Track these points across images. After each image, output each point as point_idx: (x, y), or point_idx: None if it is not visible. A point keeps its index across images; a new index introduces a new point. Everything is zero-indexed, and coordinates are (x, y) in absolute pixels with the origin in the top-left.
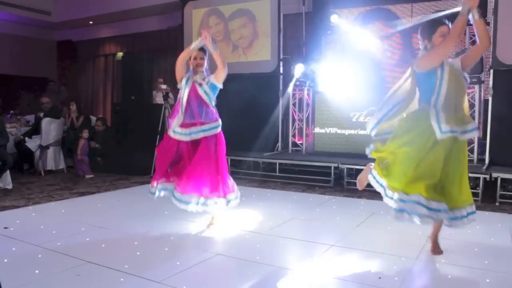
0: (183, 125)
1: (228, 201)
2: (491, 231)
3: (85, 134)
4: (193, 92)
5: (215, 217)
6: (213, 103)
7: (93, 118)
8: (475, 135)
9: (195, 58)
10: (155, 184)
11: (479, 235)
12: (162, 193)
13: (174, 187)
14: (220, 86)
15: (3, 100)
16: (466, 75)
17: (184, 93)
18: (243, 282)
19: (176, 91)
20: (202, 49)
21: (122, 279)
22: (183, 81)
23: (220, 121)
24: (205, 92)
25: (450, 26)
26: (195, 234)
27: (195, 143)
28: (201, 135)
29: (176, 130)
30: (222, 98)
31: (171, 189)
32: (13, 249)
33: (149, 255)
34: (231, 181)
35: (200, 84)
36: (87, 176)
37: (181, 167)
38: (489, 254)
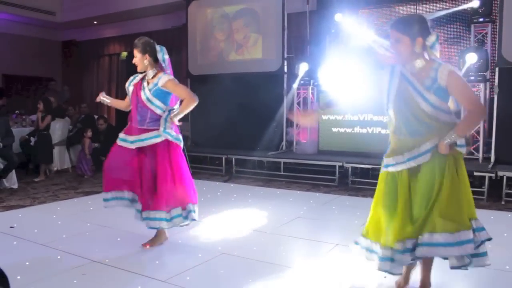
0: (126, 131)
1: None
2: (497, 230)
3: (89, 133)
4: (136, 94)
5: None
6: (165, 107)
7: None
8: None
9: (135, 57)
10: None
11: None
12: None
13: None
14: (169, 91)
15: (8, 100)
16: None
17: (129, 95)
18: (248, 281)
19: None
20: (135, 46)
21: (127, 278)
22: (129, 80)
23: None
24: (147, 98)
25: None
26: (200, 233)
27: (143, 152)
28: (146, 143)
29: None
30: (226, 97)
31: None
32: (19, 248)
33: (154, 254)
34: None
35: (146, 85)
36: (86, 176)
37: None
38: (494, 253)
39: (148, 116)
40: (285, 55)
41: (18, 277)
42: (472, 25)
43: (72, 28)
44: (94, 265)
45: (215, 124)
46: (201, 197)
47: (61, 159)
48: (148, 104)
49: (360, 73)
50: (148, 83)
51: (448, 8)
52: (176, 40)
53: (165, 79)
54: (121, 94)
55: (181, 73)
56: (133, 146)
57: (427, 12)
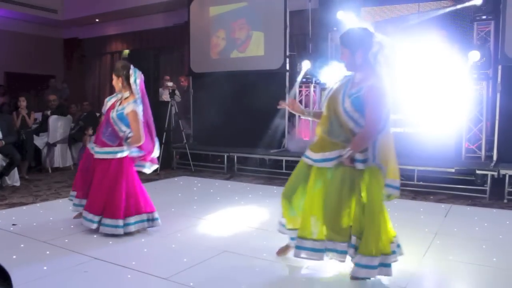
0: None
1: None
2: (499, 229)
3: (90, 131)
4: (108, 111)
5: None
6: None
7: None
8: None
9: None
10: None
11: (487, 232)
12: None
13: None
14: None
15: (10, 97)
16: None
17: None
18: (250, 279)
19: (182, 89)
20: (114, 71)
21: (129, 276)
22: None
23: (119, 148)
24: (113, 118)
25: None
26: (202, 231)
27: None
28: (98, 156)
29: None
30: (228, 95)
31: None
32: (21, 245)
33: (156, 252)
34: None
35: (118, 106)
36: None
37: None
38: (497, 252)
39: (108, 132)
40: (287, 53)
41: (20, 275)
42: (475, 23)
43: (74, 26)
44: (96, 262)
45: (217, 122)
46: (203, 195)
47: (63, 156)
48: (114, 124)
49: None
50: (120, 104)
51: (450, 6)
52: (178, 38)
53: (129, 108)
54: None
55: (183, 71)
56: (95, 156)
57: (429, 10)
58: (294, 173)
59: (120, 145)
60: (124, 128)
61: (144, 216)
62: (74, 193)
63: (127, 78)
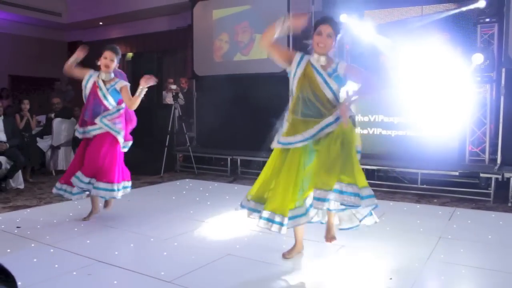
0: (82, 124)
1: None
2: (504, 232)
3: None
4: (93, 91)
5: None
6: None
7: None
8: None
9: (105, 58)
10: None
11: (492, 235)
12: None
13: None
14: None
15: (14, 100)
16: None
17: (86, 91)
18: (253, 282)
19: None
20: (114, 51)
21: (133, 279)
22: (85, 78)
23: (118, 126)
24: (103, 94)
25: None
26: (205, 234)
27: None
28: (92, 133)
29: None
30: (232, 98)
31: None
32: (25, 248)
33: (159, 255)
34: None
35: (103, 84)
36: None
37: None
38: (502, 255)
39: (102, 110)
40: None
41: (25, 278)
42: (479, 26)
43: (78, 29)
44: (99, 265)
45: (220, 125)
46: (206, 198)
47: (67, 159)
48: (103, 99)
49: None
50: (104, 83)
51: (454, 9)
52: (181, 41)
53: (121, 84)
54: None
55: (187, 73)
56: (93, 133)
57: (433, 13)
58: (274, 167)
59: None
60: (113, 103)
61: (126, 183)
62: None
63: (118, 61)
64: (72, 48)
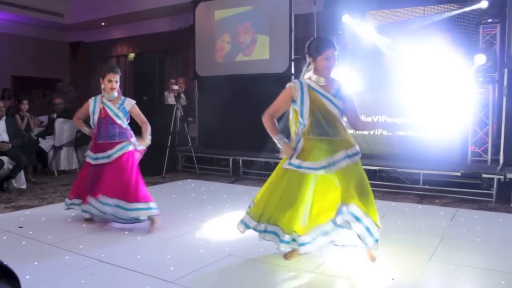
0: (96, 149)
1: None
2: (506, 232)
3: None
4: (103, 114)
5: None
6: (126, 123)
7: None
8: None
9: (110, 80)
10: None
11: (494, 236)
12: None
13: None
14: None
15: (16, 101)
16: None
17: (94, 117)
18: (255, 283)
19: (186, 92)
20: (116, 71)
21: (134, 279)
22: (91, 103)
23: (133, 139)
24: (115, 114)
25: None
26: (207, 234)
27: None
28: (114, 157)
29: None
30: (233, 98)
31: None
32: (28, 248)
33: (161, 255)
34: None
35: (111, 104)
36: None
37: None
38: (504, 256)
39: (116, 130)
40: (292, 57)
41: (27, 277)
42: (481, 26)
43: (80, 29)
44: (101, 265)
45: (222, 125)
46: (208, 198)
47: (69, 160)
48: (117, 120)
49: (367, 75)
50: (112, 103)
51: (456, 9)
52: (183, 42)
53: (130, 104)
54: (128, 95)
55: (188, 74)
56: (111, 159)
57: (435, 13)
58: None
59: (128, 138)
60: (125, 121)
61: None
62: (78, 200)
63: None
64: (74, 48)
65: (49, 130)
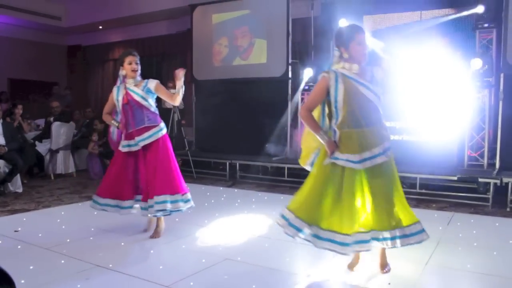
0: (127, 137)
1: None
2: (502, 237)
3: (95, 137)
4: (128, 100)
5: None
6: (154, 106)
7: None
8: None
9: (130, 63)
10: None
11: (490, 240)
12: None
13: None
14: (155, 94)
15: (13, 104)
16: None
17: (119, 105)
18: (251, 287)
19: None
20: (135, 54)
21: (131, 283)
22: (114, 92)
23: (162, 124)
24: (141, 96)
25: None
26: (204, 238)
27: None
28: (140, 144)
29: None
30: (231, 102)
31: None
32: (24, 252)
33: (158, 259)
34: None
35: (136, 88)
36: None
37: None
38: (500, 260)
39: (144, 115)
40: (290, 61)
41: (22, 281)
42: (477, 31)
43: (77, 33)
44: (98, 269)
45: (219, 129)
46: (205, 202)
47: (65, 163)
48: (143, 102)
49: None
50: (136, 87)
51: (452, 14)
52: (181, 45)
53: (153, 83)
54: None
55: (186, 78)
56: (141, 144)
57: (432, 18)
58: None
59: (158, 123)
60: (153, 103)
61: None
62: (114, 201)
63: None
64: (71, 52)
65: (46, 133)
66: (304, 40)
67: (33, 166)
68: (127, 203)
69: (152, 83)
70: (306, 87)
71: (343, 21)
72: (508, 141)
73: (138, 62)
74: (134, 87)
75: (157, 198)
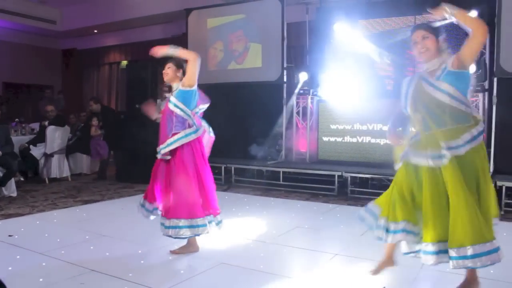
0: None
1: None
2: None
3: (94, 121)
4: (164, 110)
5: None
6: (189, 110)
7: None
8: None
9: (164, 70)
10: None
11: None
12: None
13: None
14: (189, 88)
15: (8, 108)
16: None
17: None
18: None
19: None
20: (168, 58)
21: None
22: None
23: (193, 128)
24: (174, 104)
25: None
26: (199, 242)
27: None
28: (169, 148)
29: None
30: (226, 106)
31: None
32: (18, 257)
33: (153, 264)
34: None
35: (171, 95)
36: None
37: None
38: (495, 264)
39: (174, 121)
40: (285, 65)
41: (16, 286)
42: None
43: (72, 36)
44: (92, 274)
45: (214, 133)
46: None
47: (60, 167)
48: (172, 108)
49: (359, 83)
50: (171, 93)
51: (446, 19)
52: None
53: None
54: (120, 102)
55: None
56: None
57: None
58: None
59: (184, 128)
60: (183, 106)
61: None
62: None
63: (184, 72)
64: (66, 55)
65: (40, 137)
66: (299, 45)
67: (27, 169)
68: (150, 206)
69: (180, 83)
70: (301, 91)
71: (338, 26)
72: (502, 145)
73: (171, 66)
74: (170, 94)
75: (169, 222)
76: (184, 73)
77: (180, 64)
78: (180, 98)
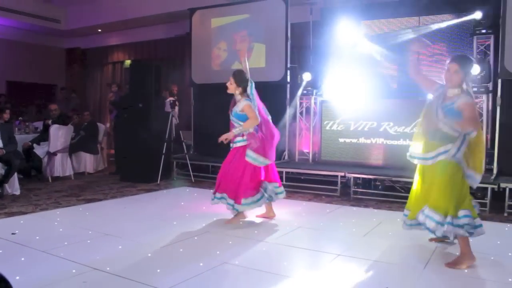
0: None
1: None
2: (499, 242)
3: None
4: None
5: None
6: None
7: (101, 126)
8: None
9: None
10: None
11: (488, 245)
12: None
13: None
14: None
15: (12, 106)
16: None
17: None
18: None
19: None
20: (233, 76)
21: (128, 287)
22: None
23: (244, 138)
24: (231, 119)
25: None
26: (201, 242)
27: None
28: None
29: None
30: (229, 106)
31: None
32: (21, 255)
33: (155, 263)
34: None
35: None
36: None
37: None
38: (497, 265)
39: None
40: (288, 65)
41: (19, 284)
42: (475, 37)
43: (76, 36)
44: (95, 273)
45: (217, 133)
46: (203, 206)
47: (63, 166)
48: (234, 122)
49: (363, 83)
50: (235, 105)
51: (450, 20)
52: (180, 49)
53: (242, 105)
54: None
55: (184, 81)
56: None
57: (429, 23)
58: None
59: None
60: (241, 123)
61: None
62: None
63: (244, 89)
64: (70, 54)
65: (44, 136)
66: (303, 45)
67: (31, 168)
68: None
69: (240, 105)
70: (305, 91)
71: (342, 26)
72: (505, 146)
73: (230, 79)
74: (234, 105)
75: (217, 194)
76: (242, 90)
77: (240, 82)
78: (238, 117)
